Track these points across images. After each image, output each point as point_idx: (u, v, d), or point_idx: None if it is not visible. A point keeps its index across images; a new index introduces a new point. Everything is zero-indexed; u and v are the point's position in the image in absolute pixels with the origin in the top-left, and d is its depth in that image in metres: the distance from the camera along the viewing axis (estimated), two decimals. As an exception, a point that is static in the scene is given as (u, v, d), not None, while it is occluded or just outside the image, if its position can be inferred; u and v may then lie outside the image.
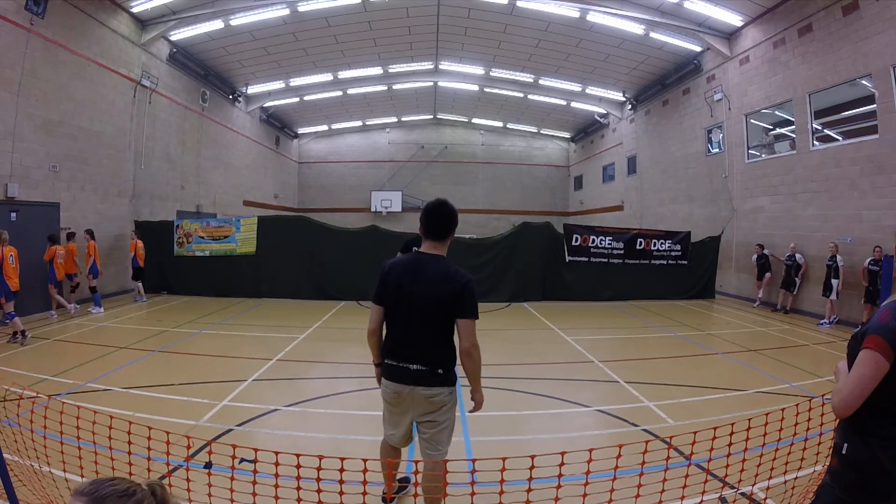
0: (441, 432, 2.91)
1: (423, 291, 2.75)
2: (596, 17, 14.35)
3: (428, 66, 20.89)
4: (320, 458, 2.45)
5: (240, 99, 20.30)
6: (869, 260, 9.46)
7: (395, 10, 15.40)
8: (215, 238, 13.23)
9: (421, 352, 2.79)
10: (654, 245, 13.78)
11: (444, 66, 20.88)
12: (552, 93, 22.06)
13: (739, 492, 3.19)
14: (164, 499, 1.02)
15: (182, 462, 2.85)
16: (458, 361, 2.89)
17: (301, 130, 28.41)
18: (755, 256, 12.62)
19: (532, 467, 2.62)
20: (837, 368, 1.94)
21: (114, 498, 0.94)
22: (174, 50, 15.03)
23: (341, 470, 2.36)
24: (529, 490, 2.84)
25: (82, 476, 2.99)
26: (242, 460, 2.60)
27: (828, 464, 1.95)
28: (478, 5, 15.01)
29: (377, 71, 20.41)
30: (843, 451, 1.82)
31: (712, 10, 13.13)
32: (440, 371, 2.80)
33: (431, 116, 28.66)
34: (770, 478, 3.02)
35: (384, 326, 2.93)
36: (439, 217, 2.85)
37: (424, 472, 2.93)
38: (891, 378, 1.71)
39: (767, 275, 12.42)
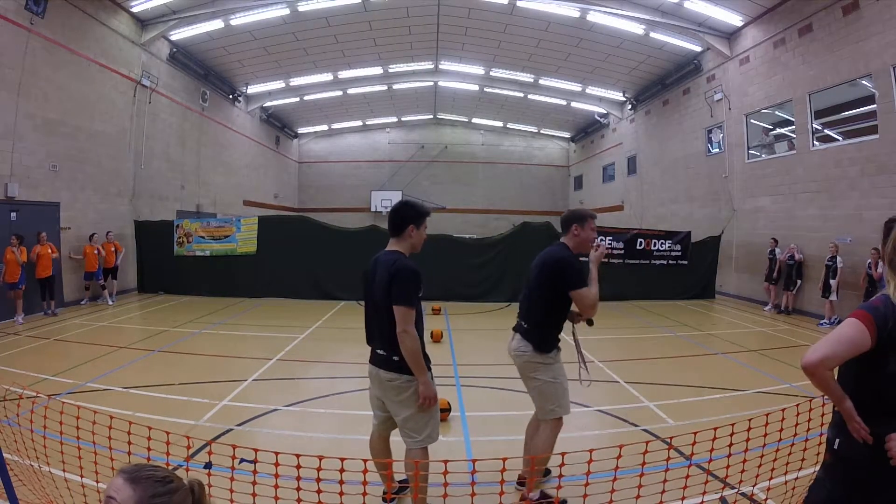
0: (408, 420, 3.00)
1: (375, 282, 3.01)
2: (596, 16, 14.33)
3: (428, 65, 20.88)
4: (320, 458, 2.45)
5: (240, 99, 20.29)
6: (868, 262, 9.47)
7: (395, 9, 15.39)
8: (216, 238, 13.23)
9: (379, 338, 3.03)
10: (655, 245, 13.78)
11: (444, 65, 20.86)
12: (552, 93, 22.04)
13: (740, 492, 3.19)
14: (201, 498, 1.06)
15: (182, 462, 2.85)
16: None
17: (301, 130, 28.39)
18: (769, 250, 12.33)
19: (532, 468, 2.61)
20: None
21: (150, 482, 0.98)
22: (174, 49, 15.03)
23: (341, 470, 2.36)
24: (529, 490, 2.84)
25: (82, 476, 2.99)
26: (242, 460, 2.60)
27: (822, 459, 1.96)
28: (478, 5, 15.00)
29: (377, 71, 20.39)
30: (835, 447, 1.82)
31: (712, 10, 13.12)
32: (395, 358, 2.94)
33: (431, 116, 28.64)
34: (771, 478, 3.02)
35: None
36: (392, 216, 3.12)
37: (405, 459, 3.04)
38: (875, 374, 1.70)
39: (773, 287, 12.32)
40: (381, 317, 2.97)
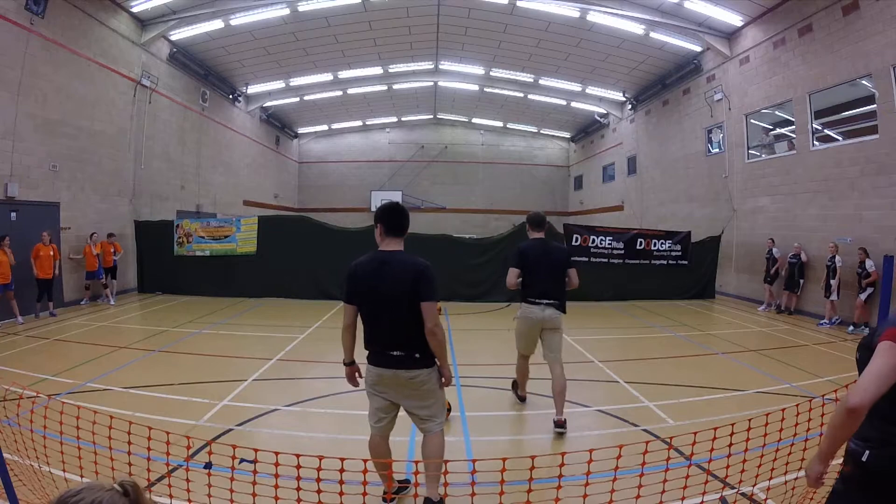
0: (430, 407, 3.14)
1: (390, 282, 2.99)
2: (596, 16, 14.33)
3: (428, 65, 20.88)
4: (320, 458, 2.45)
5: (240, 99, 20.29)
6: (859, 262, 9.53)
7: (395, 9, 15.39)
8: (216, 238, 13.22)
9: (396, 339, 3.03)
10: (655, 245, 13.77)
11: (444, 65, 20.86)
12: (552, 93, 22.04)
13: (740, 492, 3.19)
14: (136, 498, 1.01)
15: (182, 462, 2.85)
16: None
17: (301, 130, 28.39)
18: (767, 250, 12.28)
19: (532, 468, 2.61)
20: None
21: None
22: (174, 50, 15.02)
23: (341, 470, 2.36)
24: (529, 490, 2.83)
25: (82, 476, 2.99)
26: (242, 460, 2.60)
27: (839, 470, 1.90)
28: (478, 5, 15.00)
29: (377, 71, 20.40)
30: (864, 459, 1.77)
31: (712, 10, 13.12)
32: (417, 355, 3.02)
33: (431, 116, 28.64)
34: (770, 478, 3.02)
35: (360, 322, 3.18)
36: (403, 216, 3.17)
37: (425, 446, 3.15)
38: None
39: (769, 288, 12.28)
40: (399, 316, 2.98)
